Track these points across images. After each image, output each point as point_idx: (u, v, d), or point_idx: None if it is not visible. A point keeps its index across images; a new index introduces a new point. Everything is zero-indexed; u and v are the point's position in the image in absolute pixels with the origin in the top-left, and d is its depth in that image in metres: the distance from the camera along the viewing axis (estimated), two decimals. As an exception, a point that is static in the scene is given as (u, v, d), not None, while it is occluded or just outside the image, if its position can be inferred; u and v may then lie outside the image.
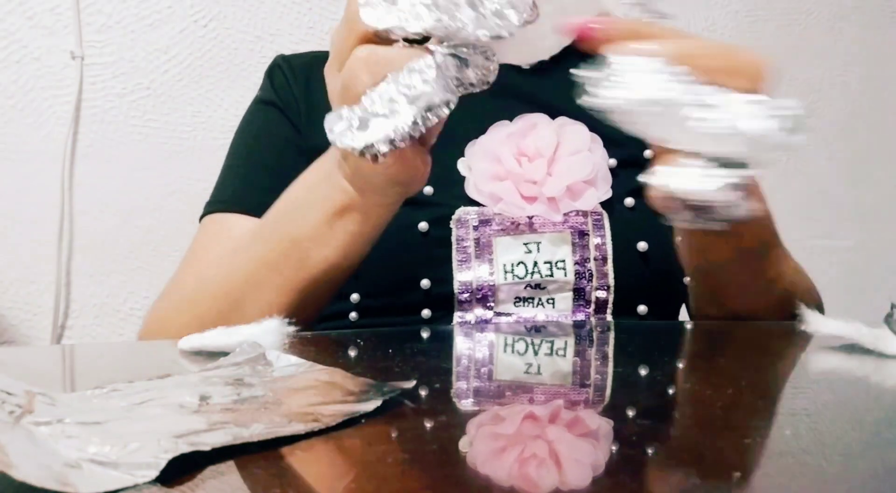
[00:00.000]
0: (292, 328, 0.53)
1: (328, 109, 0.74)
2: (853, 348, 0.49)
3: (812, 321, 0.52)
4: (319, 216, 0.58)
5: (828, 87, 1.63)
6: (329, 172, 0.58)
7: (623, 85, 0.44)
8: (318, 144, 0.73)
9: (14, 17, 1.29)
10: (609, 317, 0.69)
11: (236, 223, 0.73)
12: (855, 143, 1.65)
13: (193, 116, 1.34)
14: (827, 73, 1.63)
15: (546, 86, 0.74)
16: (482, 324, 0.68)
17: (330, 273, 0.60)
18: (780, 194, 1.63)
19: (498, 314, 0.69)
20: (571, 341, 0.59)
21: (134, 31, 1.33)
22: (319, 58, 0.83)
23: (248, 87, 1.30)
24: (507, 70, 0.49)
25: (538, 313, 0.68)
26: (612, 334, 0.63)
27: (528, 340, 0.59)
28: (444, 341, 0.60)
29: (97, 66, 1.32)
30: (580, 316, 0.68)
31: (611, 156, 0.72)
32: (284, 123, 0.79)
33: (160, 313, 0.69)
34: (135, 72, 1.33)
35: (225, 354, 0.45)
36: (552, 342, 0.58)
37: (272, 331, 0.50)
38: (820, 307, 0.72)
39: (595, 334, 0.62)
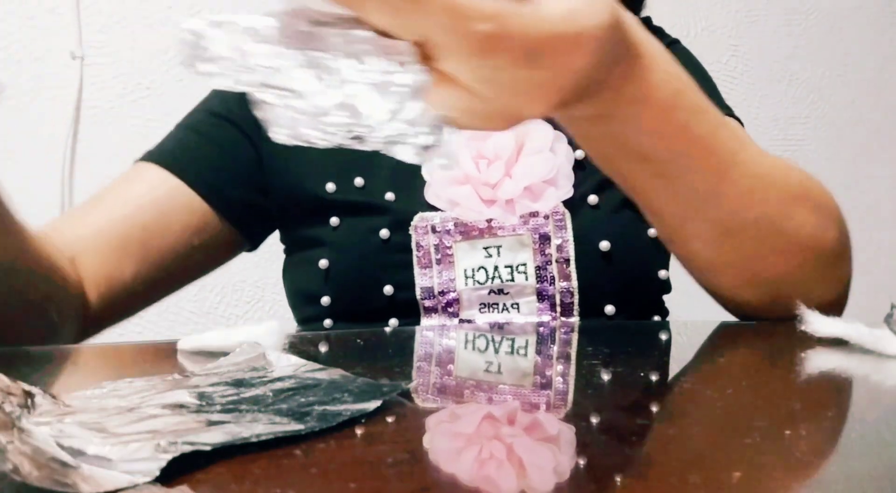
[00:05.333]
0: (293, 329, 0.53)
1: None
2: (853, 348, 0.49)
3: (812, 321, 0.52)
4: None
5: (828, 87, 1.64)
6: None
7: (223, 65, 0.35)
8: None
9: (14, 17, 1.29)
10: (576, 319, 0.68)
11: (149, 175, 0.74)
12: (855, 143, 1.65)
13: (193, 116, 1.34)
14: (827, 73, 1.64)
15: None
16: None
17: None
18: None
19: (462, 321, 0.68)
20: (566, 341, 0.59)
21: (134, 31, 1.33)
22: None
23: (248, 87, 1.30)
24: None
25: (503, 319, 0.68)
26: (611, 335, 0.63)
27: (530, 339, 0.59)
28: (445, 340, 0.60)
29: (97, 66, 1.32)
30: (545, 319, 0.68)
31: (576, 148, 0.71)
32: (242, 111, 0.77)
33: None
34: (135, 72, 1.33)
35: (225, 354, 0.45)
36: (548, 343, 0.58)
37: (272, 331, 0.50)
38: (843, 230, 0.61)
39: (593, 335, 0.62)
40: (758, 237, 0.56)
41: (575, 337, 0.61)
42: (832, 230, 0.59)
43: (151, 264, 0.73)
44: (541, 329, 0.63)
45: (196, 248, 0.75)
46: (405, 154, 0.38)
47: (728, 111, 0.79)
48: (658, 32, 0.86)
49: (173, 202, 0.73)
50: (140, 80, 1.33)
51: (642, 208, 0.58)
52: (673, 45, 0.85)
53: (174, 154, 0.76)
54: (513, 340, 0.59)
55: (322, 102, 0.35)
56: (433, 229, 0.69)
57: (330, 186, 0.72)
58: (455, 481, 0.28)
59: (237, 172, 0.76)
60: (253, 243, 0.81)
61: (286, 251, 0.79)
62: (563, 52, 0.38)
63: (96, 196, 0.75)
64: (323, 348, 0.55)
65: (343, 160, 0.73)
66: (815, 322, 0.51)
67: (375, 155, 0.76)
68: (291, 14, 0.35)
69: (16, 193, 1.36)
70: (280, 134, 0.35)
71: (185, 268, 0.76)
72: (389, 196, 0.71)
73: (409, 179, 0.71)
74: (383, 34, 0.35)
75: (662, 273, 0.72)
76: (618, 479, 0.28)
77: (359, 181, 0.72)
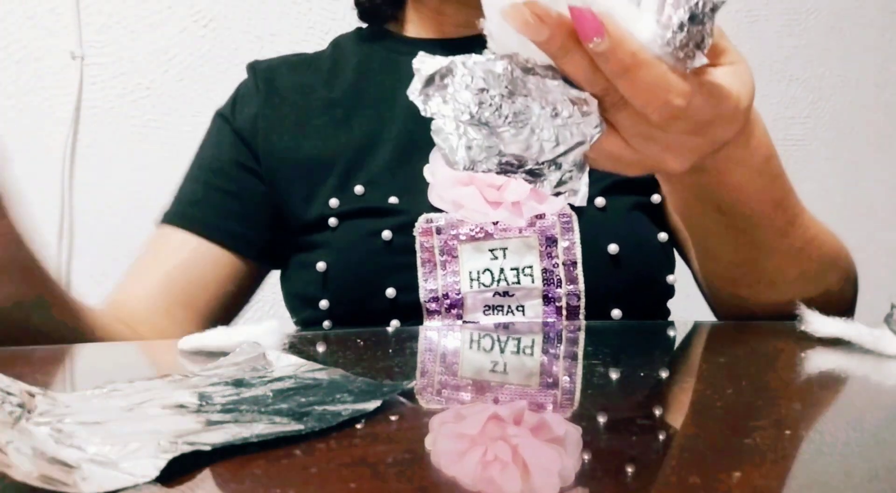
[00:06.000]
0: (292, 329, 0.53)
1: (291, 119, 0.76)
2: (853, 348, 0.49)
3: (812, 321, 0.52)
4: None
5: (828, 87, 1.63)
6: None
7: (446, 99, 0.40)
8: (273, 168, 0.75)
9: (14, 17, 1.29)
10: (582, 322, 0.68)
11: (178, 241, 0.75)
12: (855, 143, 1.65)
13: (193, 116, 1.34)
14: (827, 73, 1.63)
15: None
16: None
17: None
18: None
19: (466, 323, 0.67)
20: (570, 341, 0.59)
21: (134, 31, 1.33)
22: (290, 61, 0.83)
23: (248, 87, 1.31)
24: None
25: (507, 322, 0.67)
26: (611, 335, 0.63)
27: (531, 340, 0.59)
28: (445, 341, 0.60)
29: (97, 66, 1.32)
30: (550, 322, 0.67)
31: None
32: (240, 148, 0.78)
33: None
34: (135, 72, 1.33)
35: (225, 354, 0.45)
36: (551, 342, 0.58)
37: (272, 331, 0.50)
38: (853, 279, 0.67)
39: (593, 336, 0.62)
40: (796, 289, 0.61)
41: (576, 337, 0.61)
42: (850, 291, 0.68)
43: (200, 318, 0.75)
44: (542, 329, 0.63)
45: (234, 291, 0.77)
46: (543, 186, 0.42)
47: None
48: None
49: (201, 262, 0.75)
50: (140, 80, 1.33)
51: (698, 249, 0.63)
52: None
53: (188, 213, 0.77)
54: (516, 340, 0.59)
55: (509, 140, 0.40)
56: (438, 231, 0.68)
57: (333, 202, 0.72)
58: (455, 481, 0.28)
59: (251, 212, 0.76)
60: (281, 266, 0.81)
61: (284, 254, 0.79)
62: (722, 126, 0.44)
63: (133, 269, 0.77)
64: (323, 348, 0.55)
65: (342, 173, 0.73)
66: (815, 322, 0.51)
67: (374, 162, 0.75)
68: (509, 60, 0.40)
69: (16, 194, 1.36)
70: (460, 163, 0.41)
71: (228, 308, 0.78)
72: (393, 200, 0.70)
73: (411, 181, 0.71)
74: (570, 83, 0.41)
75: (670, 278, 0.71)
76: (618, 479, 0.28)
77: (359, 189, 0.71)
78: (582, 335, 0.62)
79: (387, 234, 0.68)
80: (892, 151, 1.67)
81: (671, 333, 0.65)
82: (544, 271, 0.67)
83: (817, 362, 0.49)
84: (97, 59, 1.31)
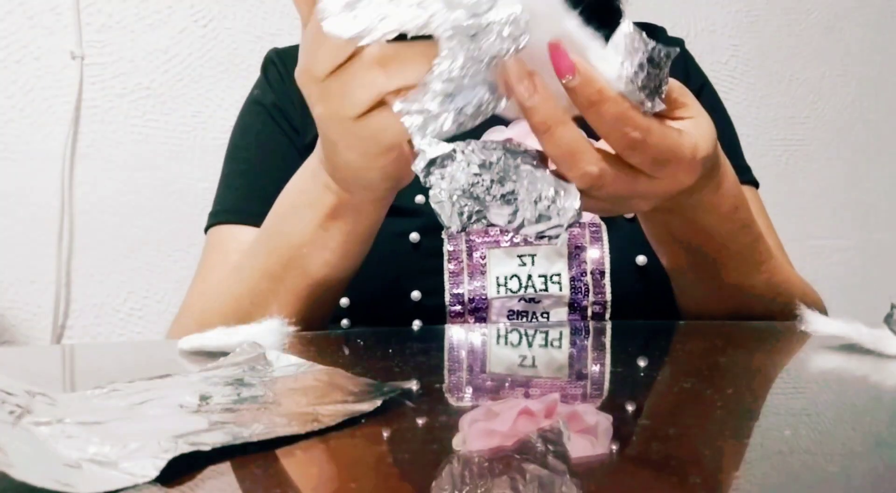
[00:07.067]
0: (293, 328, 0.53)
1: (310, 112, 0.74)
2: (853, 348, 0.49)
3: (812, 321, 0.52)
4: (313, 221, 0.57)
5: (828, 87, 1.63)
6: (315, 173, 0.57)
7: (444, 176, 0.44)
8: (314, 140, 0.73)
9: (14, 17, 1.29)
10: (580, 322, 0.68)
11: (240, 237, 0.72)
12: (855, 143, 1.65)
13: (193, 116, 1.34)
14: (827, 73, 1.63)
15: None
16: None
17: (332, 275, 0.60)
18: (781, 195, 1.62)
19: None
20: (568, 341, 0.59)
21: (134, 31, 1.33)
22: None
23: (247, 87, 1.30)
24: None
25: (531, 328, 0.67)
26: (612, 332, 0.63)
27: (530, 339, 0.59)
28: (443, 340, 0.60)
29: (97, 66, 1.32)
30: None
31: None
32: (282, 124, 0.77)
33: (173, 337, 0.69)
34: (135, 72, 1.33)
35: (225, 354, 0.45)
36: (550, 338, 0.58)
37: (272, 331, 0.50)
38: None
39: (593, 335, 0.62)
40: (753, 317, 0.65)
41: (574, 337, 0.61)
42: None
43: None
44: (541, 329, 0.63)
45: None
46: (529, 233, 0.46)
47: (747, 174, 0.81)
48: (660, 32, 0.86)
49: None
50: (140, 80, 1.33)
51: (666, 268, 0.65)
52: (676, 43, 0.85)
53: (244, 208, 0.74)
54: (513, 340, 0.59)
55: (495, 213, 0.45)
56: (466, 235, 0.68)
57: None
58: (455, 481, 0.28)
59: (286, 170, 0.73)
60: None
61: None
62: (679, 170, 0.48)
63: (204, 275, 0.73)
64: (323, 349, 0.55)
65: None
66: (815, 322, 0.51)
67: None
68: (504, 149, 0.45)
69: (16, 193, 1.37)
70: (452, 226, 0.45)
71: None
72: (419, 199, 0.69)
73: None
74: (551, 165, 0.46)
75: None
76: (617, 479, 0.28)
77: None
78: (580, 335, 0.62)
79: (414, 236, 0.68)
80: (892, 151, 1.67)
81: (671, 332, 0.65)
82: (572, 279, 0.67)
83: (817, 362, 0.49)
84: (97, 59, 1.31)
